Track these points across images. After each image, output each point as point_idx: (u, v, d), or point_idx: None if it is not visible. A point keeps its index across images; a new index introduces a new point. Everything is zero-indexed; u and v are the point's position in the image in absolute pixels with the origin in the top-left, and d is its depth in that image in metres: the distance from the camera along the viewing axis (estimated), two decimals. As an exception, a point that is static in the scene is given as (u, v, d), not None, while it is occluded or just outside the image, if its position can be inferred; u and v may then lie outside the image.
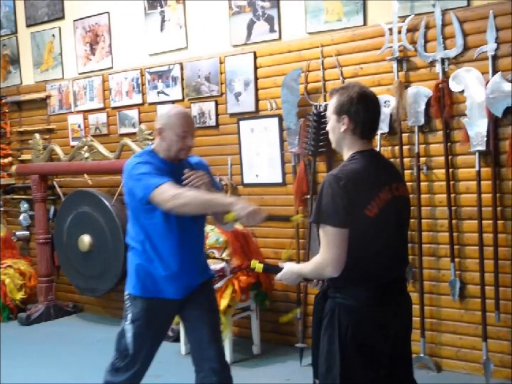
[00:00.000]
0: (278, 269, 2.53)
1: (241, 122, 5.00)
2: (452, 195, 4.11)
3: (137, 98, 5.66)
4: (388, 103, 4.23)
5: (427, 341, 4.21)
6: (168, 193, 2.72)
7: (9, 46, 6.69)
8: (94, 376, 3.26)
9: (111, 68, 5.87)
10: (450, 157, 4.11)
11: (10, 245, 6.46)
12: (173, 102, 5.34)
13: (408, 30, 4.17)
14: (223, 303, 4.34)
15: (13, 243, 6.51)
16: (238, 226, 4.57)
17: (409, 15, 4.16)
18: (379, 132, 4.17)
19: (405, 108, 4.17)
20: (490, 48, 3.87)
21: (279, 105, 4.77)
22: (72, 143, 6.08)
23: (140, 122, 5.57)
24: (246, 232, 4.76)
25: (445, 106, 4.04)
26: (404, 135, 4.25)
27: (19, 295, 6.12)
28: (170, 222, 2.85)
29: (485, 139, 3.91)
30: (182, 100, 5.34)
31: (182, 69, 5.34)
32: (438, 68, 4.07)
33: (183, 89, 5.35)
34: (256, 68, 4.91)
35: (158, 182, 2.76)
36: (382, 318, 2.38)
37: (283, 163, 4.82)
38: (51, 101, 6.35)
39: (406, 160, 4.23)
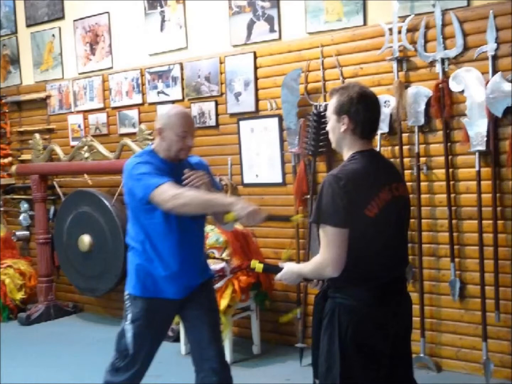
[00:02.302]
0: (278, 269, 2.53)
1: (241, 122, 5.00)
2: (452, 195, 4.11)
3: (137, 98, 5.66)
4: (388, 103, 4.23)
5: (427, 341, 4.21)
6: (168, 193, 2.72)
7: (9, 46, 6.69)
8: (94, 376, 3.26)
9: (111, 68, 5.87)
10: (450, 157, 4.11)
11: (10, 245, 6.46)
12: (173, 102, 5.33)
13: (408, 30, 4.17)
14: (223, 303, 4.34)
15: (13, 243, 6.51)
16: (238, 226, 4.57)
17: (409, 15, 4.16)
18: (379, 132, 4.17)
19: (405, 108, 4.17)
20: (490, 48, 3.87)
21: (279, 105, 4.77)
22: (72, 143, 6.08)
23: (140, 122, 5.57)
24: (246, 232, 4.76)
25: (445, 106, 4.04)
26: (404, 135, 4.26)
27: (19, 295, 6.12)
28: (170, 222, 2.85)
29: (485, 139, 3.91)
30: (182, 100, 5.34)
31: (182, 69, 5.34)
32: (438, 68, 4.07)
33: (183, 89, 5.35)
34: (256, 68, 4.91)
35: (158, 182, 2.76)
36: (382, 318, 2.38)
37: (283, 163, 4.82)
38: (51, 101, 6.35)
39: (406, 160, 4.23)
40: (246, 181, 5.05)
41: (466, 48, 3.99)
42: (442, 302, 4.22)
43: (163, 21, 5.45)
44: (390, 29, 4.19)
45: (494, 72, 3.87)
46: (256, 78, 4.92)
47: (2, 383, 4.28)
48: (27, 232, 6.65)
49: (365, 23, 4.38)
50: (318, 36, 4.58)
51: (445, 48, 4.06)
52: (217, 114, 5.16)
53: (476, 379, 4.01)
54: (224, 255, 4.57)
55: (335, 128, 2.46)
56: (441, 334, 4.23)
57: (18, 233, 6.60)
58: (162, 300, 2.95)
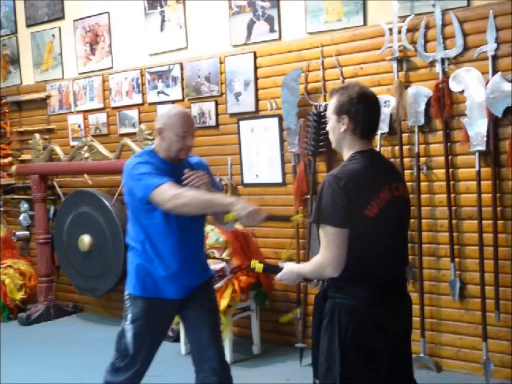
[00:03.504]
0: (278, 269, 2.53)
1: (241, 122, 5.00)
2: (452, 195, 4.11)
3: (137, 98, 5.66)
4: (388, 103, 4.23)
5: (427, 341, 4.21)
6: (168, 193, 2.72)
7: (9, 46, 6.69)
8: (94, 376, 3.26)
9: (111, 68, 5.87)
10: (450, 157, 4.11)
11: (10, 245, 6.46)
12: (173, 102, 5.34)
13: (408, 30, 4.17)
14: (223, 303, 4.34)
15: (13, 243, 6.51)
16: (238, 226, 4.57)
17: (409, 15, 4.16)
18: (379, 132, 4.17)
19: (405, 108, 4.17)
20: (490, 48, 3.87)
21: (279, 105, 4.77)
22: (72, 143, 6.08)
23: (140, 122, 5.57)
24: (246, 232, 4.76)
25: (445, 106, 4.04)
26: (404, 135, 4.26)
27: (19, 295, 6.12)
28: (170, 222, 2.85)
29: (485, 139, 3.91)
30: (182, 100, 5.34)
31: (182, 69, 5.34)
32: (438, 68, 4.07)
33: (183, 89, 5.35)
34: (256, 68, 4.91)
35: (158, 182, 2.76)
36: (382, 318, 2.38)
37: (283, 163, 4.82)
38: (51, 101, 6.35)
39: (406, 160, 4.23)
40: (246, 181, 5.05)
41: (466, 48, 3.99)
42: (442, 302, 4.22)
43: (163, 21, 5.45)
44: (390, 29, 4.19)
45: (494, 72, 3.86)
46: (256, 78, 4.91)
47: (2, 383, 4.28)
48: (27, 232, 6.65)
49: (365, 23, 4.38)
50: (318, 36, 4.58)
51: (445, 48, 4.05)
52: (217, 114, 5.16)
53: (476, 379, 4.01)
54: (224, 255, 4.57)
55: (335, 128, 2.46)
56: (441, 334, 4.23)
57: (18, 233, 6.60)
58: (162, 300, 2.95)
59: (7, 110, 6.71)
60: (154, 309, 2.95)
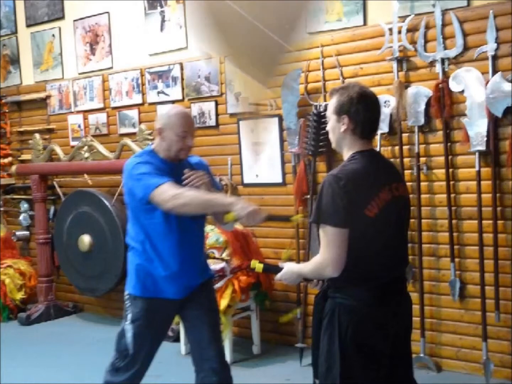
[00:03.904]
0: (278, 269, 2.53)
1: (241, 122, 5.00)
2: (452, 195, 4.11)
3: (137, 98, 5.66)
4: (388, 103, 4.23)
5: (427, 341, 4.21)
6: (168, 193, 2.73)
7: (9, 46, 6.68)
8: (94, 376, 3.26)
9: (111, 68, 5.87)
10: (450, 157, 4.11)
11: (10, 245, 6.46)
12: (173, 102, 5.33)
13: (408, 30, 4.17)
14: (223, 303, 4.34)
15: (13, 243, 6.51)
16: (238, 226, 4.57)
17: (409, 15, 4.16)
18: (379, 132, 4.16)
19: (405, 108, 4.17)
20: (490, 48, 3.87)
21: (279, 105, 4.77)
22: (72, 143, 6.08)
23: (140, 122, 5.57)
24: (246, 232, 4.76)
25: (445, 106, 4.04)
26: (404, 135, 4.26)
27: (19, 295, 6.12)
28: (170, 222, 2.85)
29: (485, 139, 3.91)
30: (182, 100, 5.34)
31: (182, 69, 5.34)
32: (438, 68, 4.07)
33: (183, 89, 5.35)
34: (256, 68, 4.91)
35: (158, 182, 2.76)
36: (382, 318, 2.38)
37: (283, 163, 4.82)
38: (51, 101, 6.35)
39: (406, 160, 4.23)
40: (246, 181, 5.05)
41: (466, 48, 3.99)
42: (442, 302, 4.22)
43: (163, 21, 5.44)
44: (390, 29, 4.19)
45: (494, 72, 3.86)
46: (256, 78, 4.91)
47: (2, 383, 4.28)
48: (27, 232, 6.64)
49: (365, 23, 4.38)
50: (318, 36, 4.58)
51: (445, 48, 4.06)
52: (217, 114, 5.16)
53: (476, 379, 4.00)
54: (224, 255, 4.57)
55: (335, 128, 2.46)
56: (441, 334, 4.23)
57: (18, 233, 6.60)
58: (162, 300, 2.95)
59: (7, 110, 6.71)
60: (154, 309, 2.95)
